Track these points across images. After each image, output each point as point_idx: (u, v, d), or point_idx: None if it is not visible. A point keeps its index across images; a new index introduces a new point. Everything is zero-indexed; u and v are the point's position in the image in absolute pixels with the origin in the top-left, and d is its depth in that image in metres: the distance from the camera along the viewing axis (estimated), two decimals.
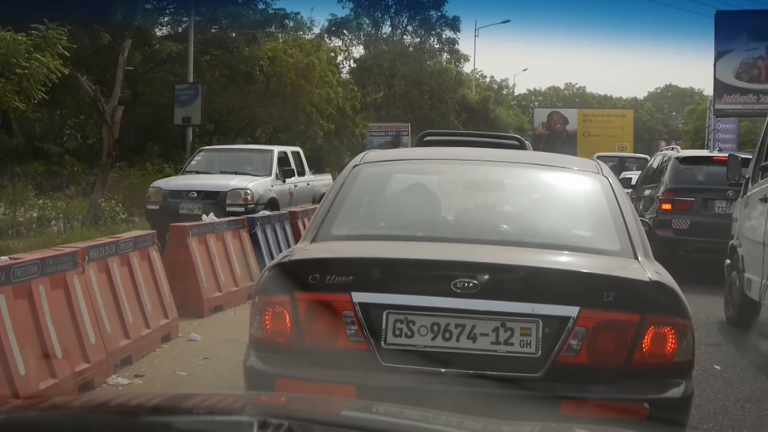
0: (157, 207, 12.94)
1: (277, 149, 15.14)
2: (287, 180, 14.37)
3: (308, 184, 15.66)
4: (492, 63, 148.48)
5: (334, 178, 4.70)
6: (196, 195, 12.95)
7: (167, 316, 6.80)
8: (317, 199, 14.79)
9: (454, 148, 5.55)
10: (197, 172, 14.25)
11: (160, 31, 25.60)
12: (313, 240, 3.80)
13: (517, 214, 4.42)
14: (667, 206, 11.05)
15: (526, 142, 6.95)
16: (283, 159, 14.74)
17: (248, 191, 12.96)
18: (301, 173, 15.48)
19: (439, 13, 42.47)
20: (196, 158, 15.18)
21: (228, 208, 12.26)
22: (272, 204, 13.14)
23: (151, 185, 13.91)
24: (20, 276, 4.76)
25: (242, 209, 12.38)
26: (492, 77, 67.98)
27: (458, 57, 44.42)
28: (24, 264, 4.84)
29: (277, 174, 14.15)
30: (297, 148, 16.49)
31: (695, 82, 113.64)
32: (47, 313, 4.93)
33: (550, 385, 3.23)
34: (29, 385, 4.59)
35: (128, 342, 5.97)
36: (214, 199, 12.68)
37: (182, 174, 14.65)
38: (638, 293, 3.36)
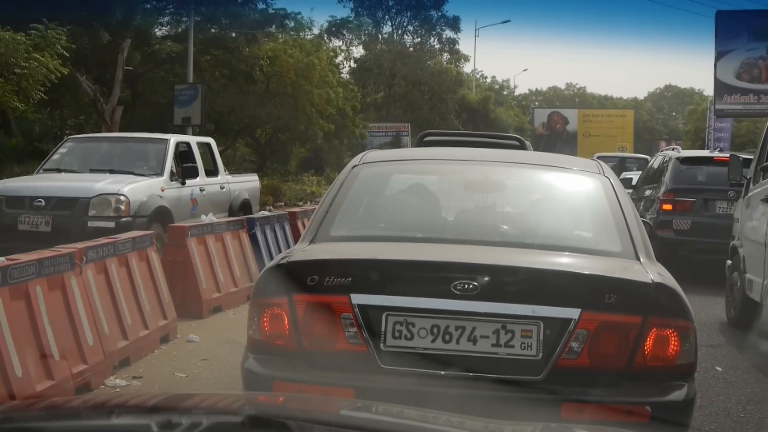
0: None
1: (174, 139, 11.20)
2: (188, 182, 10.73)
3: (222, 188, 11.89)
4: (492, 63, 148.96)
5: (334, 179, 4.65)
6: (43, 203, 9.17)
7: (166, 317, 6.77)
8: (236, 207, 11.97)
9: (454, 148, 5.52)
10: (58, 170, 10.49)
11: (159, 31, 25.60)
12: (312, 241, 3.78)
13: (518, 215, 4.40)
14: (668, 207, 11.03)
15: (527, 142, 6.90)
16: (184, 153, 11.06)
17: (121, 198, 9.27)
18: (212, 173, 11.83)
19: (440, 13, 42.58)
20: (60, 151, 11.08)
21: (90, 223, 9.01)
22: (161, 215, 9.65)
23: None
24: (17, 277, 4.73)
25: (111, 223, 8.92)
26: (494, 77, 68.11)
27: (458, 57, 44.46)
28: (21, 265, 4.81)
29: (173, 173, 10.50)
30: (207, 139, 12.70)
31: (695, 82, 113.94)
32: (44, 315, 4.90)
33: (551, 387, 3.20)
34: (26, 386, 4.55)
35: (126, 343, 5.94)
36: (71, 210, 9.14)
37: (37, 173, 10.83)
38: (640, 295, 3.33)
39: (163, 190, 10.07)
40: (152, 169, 10.44)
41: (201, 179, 11.19)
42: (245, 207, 12.31)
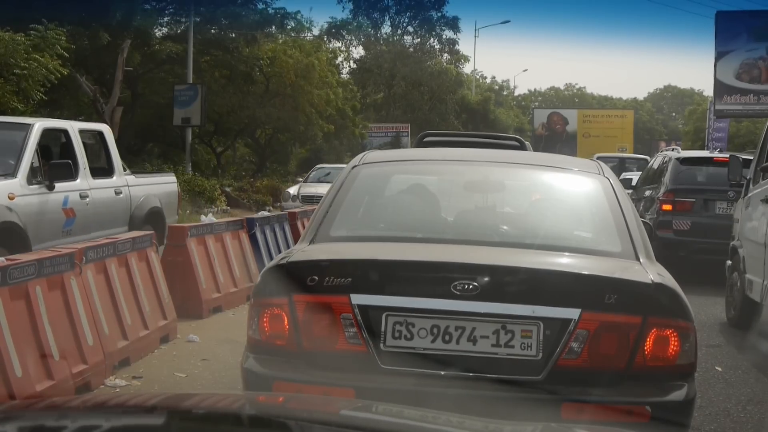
0: None
1: (39, 124, 7.99)
2: (60, 185, 7.78)
3: (118, 193, 8.91)
4: (492, 63, 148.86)
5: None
6: None
7: (166, 317, 6.77)
8: (141, 219, 9.19)
9: (453, 148, 5.52)
10: None
11: (159, 32, 25.61)
12: (312, 241, 3.78)
13: (518, 215, 4.40)
14: (667, 207, 11.04)
15: (526, 142, 6.91)
16: (63, 145, 8.34)
17: None
18: (105, 172, 8.90)
19: (439, 14, 42.58)
20: None
21: None
22: (7, 234, 6.99)
23: None
24: (17, 277, 4.73)
25: None
26: (494, 77, 68.16)
27: (458, 57, 44.47)
28: (21, 265, 4.81)
29: (34, 173, 7.58)
30: (99, 127, 9.44)
31: (695, 83, 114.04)
32: (44, 315, 4.90)
33: (551, 387, 3.20)
34: (26, 386, 4.55)
35: (126, 343, 5.94)
36: None
37: None
38: (640, 295, 3.33)
39: (12, 198, 7.13)
40: (1, 167, 7.42)
41: (83, 181, 8.26)
42: (154, 217, 9.43)
